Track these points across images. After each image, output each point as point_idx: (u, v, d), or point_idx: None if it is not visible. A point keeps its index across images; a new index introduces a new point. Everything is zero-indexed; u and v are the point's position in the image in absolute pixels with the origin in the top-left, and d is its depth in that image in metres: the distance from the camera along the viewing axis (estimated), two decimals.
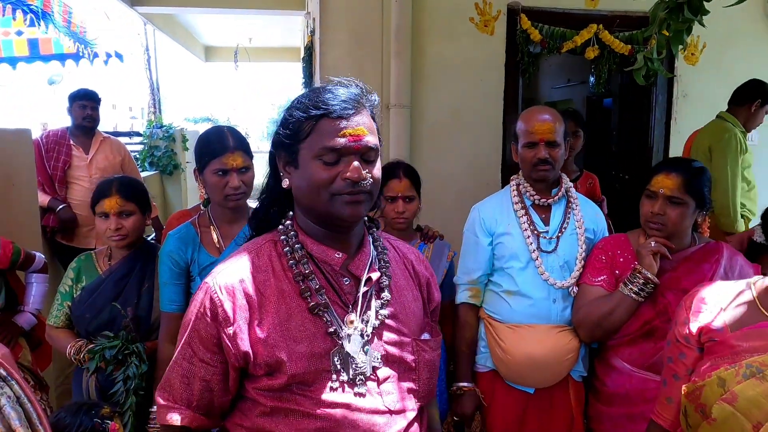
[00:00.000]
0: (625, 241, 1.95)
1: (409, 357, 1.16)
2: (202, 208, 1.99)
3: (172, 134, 6.46)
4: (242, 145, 1.83)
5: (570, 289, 1.95)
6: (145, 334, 2.03)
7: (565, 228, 2.00)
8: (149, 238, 2.58)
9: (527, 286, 1.94)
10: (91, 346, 1.95)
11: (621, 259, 1.90)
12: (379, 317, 1.13)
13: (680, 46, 1.60)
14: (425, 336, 1.22)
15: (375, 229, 1.24)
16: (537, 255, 1.94)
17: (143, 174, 5.27)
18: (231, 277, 1.09)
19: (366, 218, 1.22)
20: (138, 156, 6.29)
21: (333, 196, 1.07)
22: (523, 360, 1.91)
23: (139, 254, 2.12)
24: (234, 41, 9.68)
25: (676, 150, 3.47)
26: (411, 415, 1.14)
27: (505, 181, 3.38)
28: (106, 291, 2.04)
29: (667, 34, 1.61)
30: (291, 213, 1.18)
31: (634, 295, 1.78)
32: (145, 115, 9.24)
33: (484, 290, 2.05)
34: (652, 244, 1.80)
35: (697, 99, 3.48)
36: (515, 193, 2.05)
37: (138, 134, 7.16)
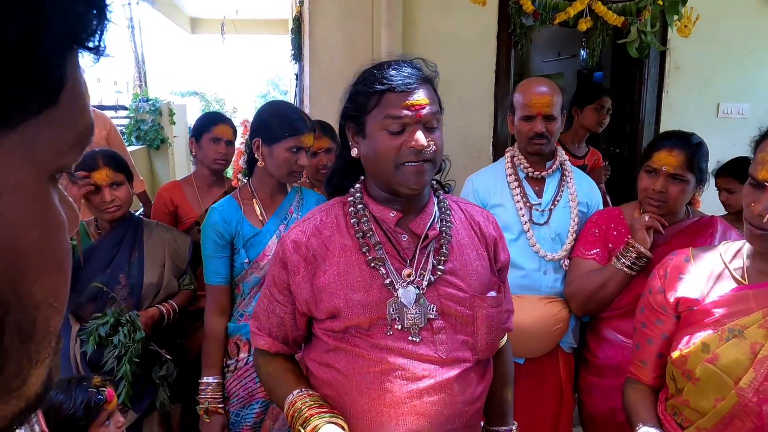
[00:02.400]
0: (618, 215, 1.95)
1: (466, 312, 1.24)
2: (240, 180, 2.01)
3: (158, 108, 6.37)
4: (314, 128, 1.92)
5: (561, 261, 1.96)
6: (137, 302, 2.05)
7: (558, 201, 2.00)
8: (138, 213, 2.58)
9: (519, 258, 1.95)
10: (85, 326, 1.94)
11: (614, 233, 1.91)
12: (437, 272, 1.22)
13: (675, 17, 1.58)
14: (492, 293, 1.29)
15: (442, 192, 1.34)
16: (529, 227, 1.95)
17: (130, 148, 5.21)
18: (301, 234, 1.25)
19: (434, 182, 1.34)
20: (124, 130, 6.21)
21: (398, 166, 1.17)
22: (526, 333, 1.93)
23: (128, 224, 2.14)
24: (220, 13, 9.50)
25: (667, 123, 3.47)
26: (464, 366, 1.23)
27: (496, 155, 3.37)
28: (99, 257, 2.04)
29: (662, 4, 1.59)
30: (362, 178, 1.30)
31: (626, 269, 1.78)
32: (130, 88, 9.09)
33: None
34: (646, 218, 1.80)
35: (690, 72, 3.47)
36: (509, 165, 2.05)
37: (124, 108, 7.05)
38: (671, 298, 1.30)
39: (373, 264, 1.20)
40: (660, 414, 1.31)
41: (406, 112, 1.15)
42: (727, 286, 1.24)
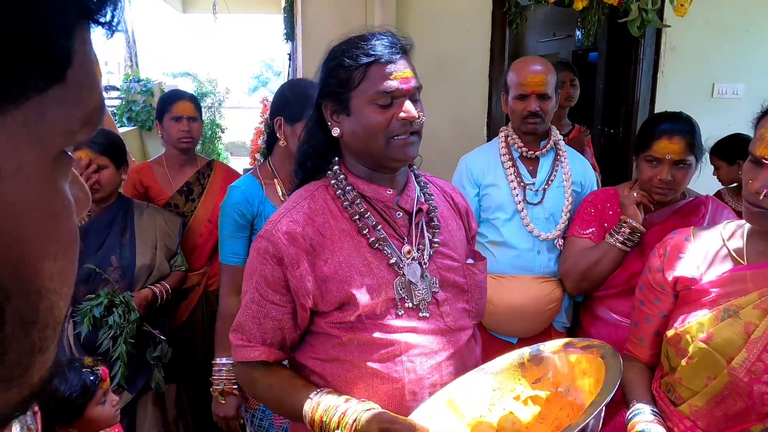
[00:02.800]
0: (614, 195, 1.95)
1: (461, 280, 1.26)
2: (258, 159, 1.96)
3: (150, 88, 6.32)
4: None
5: (555, 241, 1.96)
6: (129, 284, 2.04)
7: (552, 180, 2.00)
8: None
9: (512, 237, 1.95)
10: (78, 308, 1.93)
11: (610, 212, 1.90)
12: (434, 245, 1.24)
13: None
14: (470, 261, 1.31)
15: (415, 167, 1.33)
16: (522, 207, 1.95)
17: (121, 129, 5.16)
18: (293, 224, 1.17)
19: None
20: (115, 111, 6.15)
21: (389, 140, 1.14)
22: (505, 310, 1.94)
23: (118, 205, 2.12)
24: None
25: (662, 103, 3.46)
26: (468, 333, 1.27)
27: (490, 135, 3.35)
28: (90, 239, 2.03)
29: None
30: (337, 159, 1.24)
31: (620, 245, 1.79)
32: (121, 69, 8.97)
33: None
34: (635, 194, 1.81)
35: (686, 52, 3.45)
36: (503, 144, 2.04)
37: (115, 88, 6.98)
38: (670, 276, 1.30)
39: (377, 245, 1.18)
40: (654, 391, 1.32)
41: (394, 83, 1.13)
42: (725, 266, 1.24)
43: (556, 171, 2.02)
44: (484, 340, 2.08)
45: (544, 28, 5.94)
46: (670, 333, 1.26)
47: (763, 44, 3.49)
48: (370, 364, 1.15)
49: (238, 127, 11.91)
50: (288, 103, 1.78)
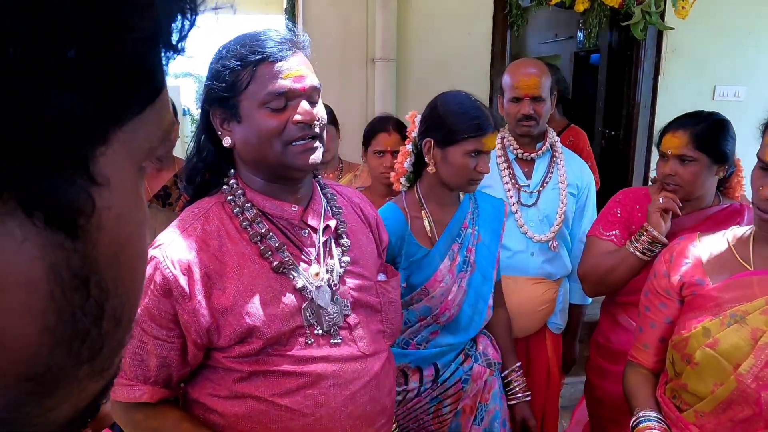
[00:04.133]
0: (645, 196, 1.88)
1: (374, 299, 1.17)
2: (402, 184, 1.68)
3: None
4: (498, 126, 1.62)
5: (549, 243, 1.96)
6: None
7: (547, 182, 2.00)
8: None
9: (506, 239, 1.95)
10: None
11: (639, 214, 1.83)
12: (343, 264, 1.13)
13: None
14: (381, 277, 1.23)
15: (320, 177, 1.21)
16: (517, 208, 1.96)
17: None
18: (183, 250, 1.01)
19: None
20: None
21: (286, 146, 1.03)
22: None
23: None
24: None
25: (663, 106, 3.45)
26: (383, 356, 1.16)
27: None
28: None
29: None
30: (233, 171, 1.10)
31: (639, 254, 1.69)
32: None
33: None
34: (660, 200, 1.68)
35: (687, 54, 3.45)
36: (499, 146, 2.04)
37: None
38: (675, 281, 1.29)
39: (281, 269, 1.05)
40: (659, 397, 1.31)
41: (286, 82, 1.01)
42: (731, 272, 1.23)
43: (552, 173, 2.02)
44: None
45: (545, 30, 5.94)
46: (675, 338, 1.25)
47: (764, 47, 3.49)
48: (277, 399, 1.03)
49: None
50: (441, 122, 1.53)
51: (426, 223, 1.59)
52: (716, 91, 3.50)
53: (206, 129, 1.10)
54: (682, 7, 3.29)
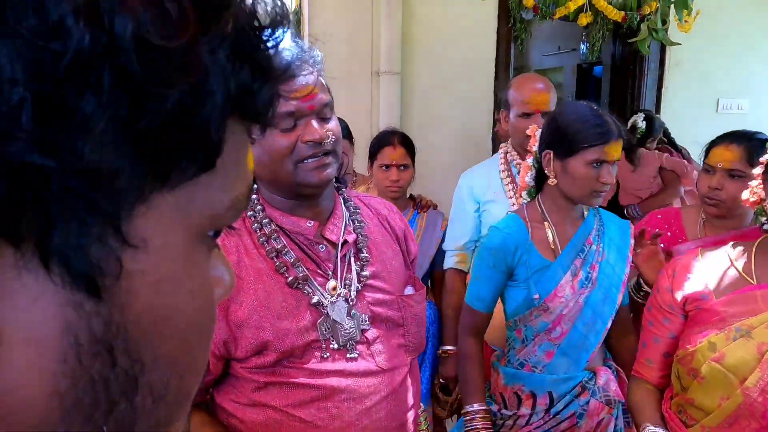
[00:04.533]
0: (676, 216, 1.85)
1: (395, 314, 1.16)
2: (523, 198, 1.67)
3: None
4: (622, 134, 1.54)
5: None
6: None
7: None
8: None
9: None
10: None
11: (668, 234, 1.79)
12: (362, 279, 1.13)
13: (684, 11, 1.57)
14: (409, 290, 1.21)
15: (344, 189, 1.21)
16: None
17: None
18: None
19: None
20: None
21: (297, 164, 1.04)
22: (502, 321, 1.95)
23: None
24: None
25: (666, 119, 3.46)
26: (404, 371, 1.16)
27: (495, 149, 3.36)
28: None
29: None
30: (255, 188, 1.12)
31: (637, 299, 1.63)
32: None
33: (472, 256, 2.06)
34: (644, 249, 1.61)
35: (690, 68, 3.46)
36: (503, 161, 2.06)
37: None
38: (679, 297, 1.29)
39: (295, 285, 1.06)
40: (665, 412, 1.31)
41: (294, 102, 1.01)
42: (735, 286, 1.23)
43: None
44: (486, 352, 2.07)
45: (549, 42, 5.98)
46: (680, 353, 1.25)
47: (767, 60, 3.50)
48: (292, 410, 1.05)
49: None
50: (561, 133, 1.49)
51: (549, 234, 1.54)
52: (720, 104, 3.52)
53: None
54: (686, 21, 3.32)
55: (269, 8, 0.30)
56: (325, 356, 1.07)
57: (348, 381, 1.07)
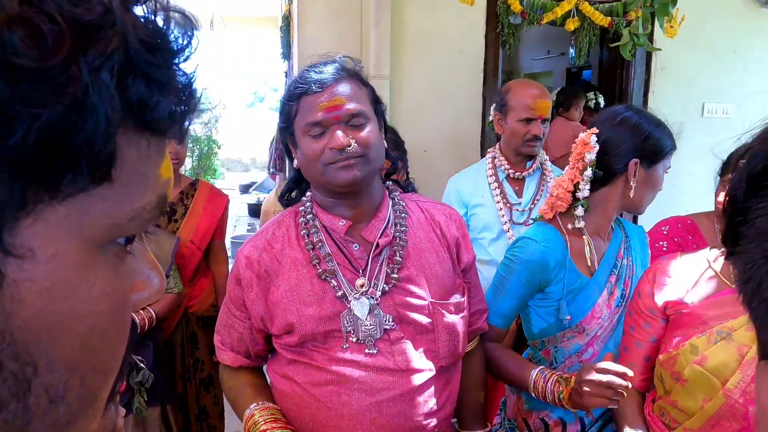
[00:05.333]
0: (692, 226, 1.79)
1: (425, 319, 1.19)
2: (577, 210, 1.43)
3: None
4: None
5: None
6: None
7: (537, 200, 2.03)
8: None
9: (499, 256, 1.97)
10: None
11: (694, 246, 1.74)
12: (391, 281, 1.18)
13: (665, 18, 1.60)
14: (456, 297, 1.23)
15: (396, 193, 1.28)
16: (509, 227, 1.99)
17: None
18: (253, 249, 1.22)
19: (391, 182, 1.31)
20: None
21: (326, 167, 1.14)
22: None
23: None
24: (209, 9, 9.44)
25: None
26: (426, 375, 1.18)
27: (484, 154, 3.38)
28: None
29: (651, 5, 1.60)
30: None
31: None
32: None
33: None
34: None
35: (675, 72, 3.50)
36: (490, 165, 2.08)
37: None
38: (659, 301, 1.31)
39: (323, 276, 1.17)
40: (647, 415, 1.32)
41: (320, 113, 1.13)
42: (715, 289, 1.25)
43: (542, 191, 2.06)
44: None
45: (537, 47, 6.02)
46: (663, 357, 1.26)
47: (752, 64, 3.54)
48: (310, 388, 1.17)
49: (235, 142, 11.93)
50: (646, 138, 1.39)
51: (587, 248, 1.43)
52: (705, 108, 3.55)
53: (287, 152, 1.28)
54: (671, 26, 3.35)
55: (173, 25, 0.31)
56: (345, 346, 1.15)
57: (362, 373, 1.14)
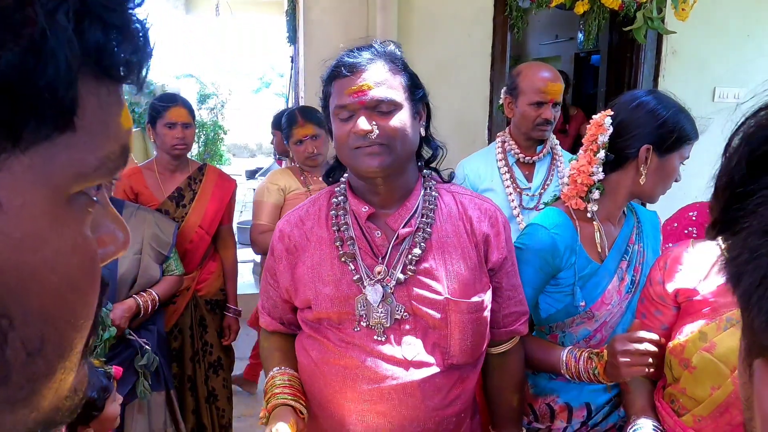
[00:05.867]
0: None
1: (437, 314, 1.16)
2: (592, 194, 1.42)
3: (153, 90, 6.33)
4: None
5: None
6: (112, 295, 1.99)
7: (548, 185, 2.01)
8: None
9: None
10: None
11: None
12: (408, 271, 1.17)
13: (679, 0, 1.57)
14: (478, 296, 1.19)
15: (433, 183, 1.26)
16: (518, 212, 1.97)
17: None
18: (286, 224, 1.27)
19: (430, 170, 1.29)
20: None
21: (352, 150, 1.14)
22: None
23: None
24: None
25: None
26: (433, 370, 1.16)
27: (492, 138, 3.36)
28: None
29: None
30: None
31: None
32: None
33: None
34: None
35: (687, 56, 3.45)
36: (500, 149, 2.05)
37: None
38: (670, 289, 1.30)
39: (343, 259, 1.18)
40: (657, 402, 1.32)
41: (347, 98, 1.13)
42: (724, 277, 1.24)
43: (552, 175, 2.04)
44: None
45: (546, 31, 5.95)
46: (672, 343, 1.25)
47: (764, 49, 3.49)
48: (321, 364, 1.20)
49: (241, 128, 11.92)
50: (664, 125, 1.35)
51: (597, 233, 1.41)
52: (716, 93, 3.51)
53: (329, 131, 1.27)
54: (683, 9, 3.30)
55: None
56: (356, 330, 1.17)
57: (368, 359, 1.15)
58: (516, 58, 5.56)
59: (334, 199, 1.24)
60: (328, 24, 3.19)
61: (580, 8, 3.27)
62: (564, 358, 1.33)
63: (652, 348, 1.22)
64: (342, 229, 1.20)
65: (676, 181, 1.41)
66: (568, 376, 1.34)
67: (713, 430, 1.18)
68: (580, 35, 5.37)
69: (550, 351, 1.38)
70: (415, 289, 1.16)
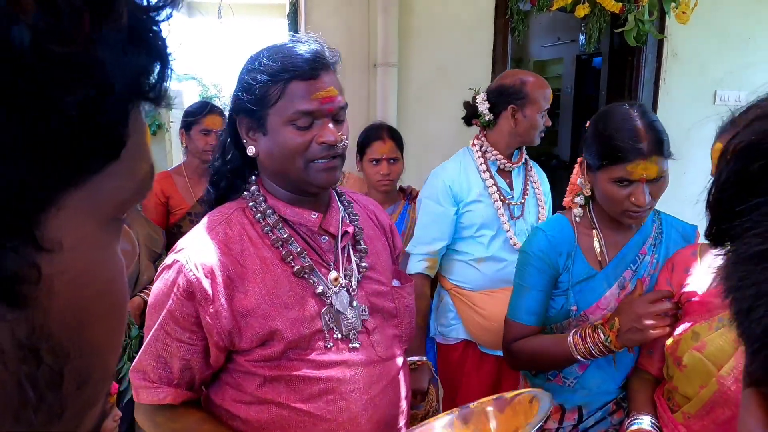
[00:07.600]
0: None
1: (390, 305, 1.19)
2: (575, 202, 1.50)
3: None
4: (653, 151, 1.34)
5: None
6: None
7: (527, 193, 2.03)
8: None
9: (498, 252, 1.95)
10: None
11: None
12: (361, 270, 1.16)
13: (672, 4, 1.58)
14: (395, 283, 1.25)
15: (337, 186, 1.23)
16: (509, 226, 1.95)
17: None
18: (206, 253, 1.04)
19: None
20: None
21: (308, 163, 1.05)
22: (498, 323, 1.94)
23: None
24: None
25: (664, 110, 3.46)
26: (401, 359, 1.20)
27: None
28: None
29: None
30: (254, 178, 1.14)
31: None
32: None
33: (446, 260, 2.02)
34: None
35: (687, 59, 3.46)
36: (481, 160, 1.98)
37: None
38: (675, 291, 1.33)
39: (302, 274, 1.08)
40: (656, 398, 1.35)
41: (315, 103, 1.03)
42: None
43: (528, 182, 2.05)
44: (473, 358, 2.01)
45: (547, 33, 5.96)
46: (668, 342, 1.28)
47: (765, 52, 3.49)
48: (299, 405, 1.05)
49: None
50: (592, 141, 1.37)
51: (596, 243, 1.43)
52: (717, 96, 3.51)
53: (232, 135, 1.13)
54: (683, 12, 3.30)
55: None
56: (328, 346, 1.07)
57: (352, 371, 1.08)
58: (517, 60, 5.57)
59: (258, 215, 1.09)
60: (329, 27, 3.20)
61: (581, 11, 3.27)
62: (571, 341, 1.34)
63: (670, 304, 1.26)
64: (288, 243, 1.08)
65: (634, 203, 1.32)
66: (581, 358, 1.34)
67: (700, 428, 1.20)
68: (581, 37, 5.37)
69: (559, 341, 1.39)
70: (369, 285, 1.17)
